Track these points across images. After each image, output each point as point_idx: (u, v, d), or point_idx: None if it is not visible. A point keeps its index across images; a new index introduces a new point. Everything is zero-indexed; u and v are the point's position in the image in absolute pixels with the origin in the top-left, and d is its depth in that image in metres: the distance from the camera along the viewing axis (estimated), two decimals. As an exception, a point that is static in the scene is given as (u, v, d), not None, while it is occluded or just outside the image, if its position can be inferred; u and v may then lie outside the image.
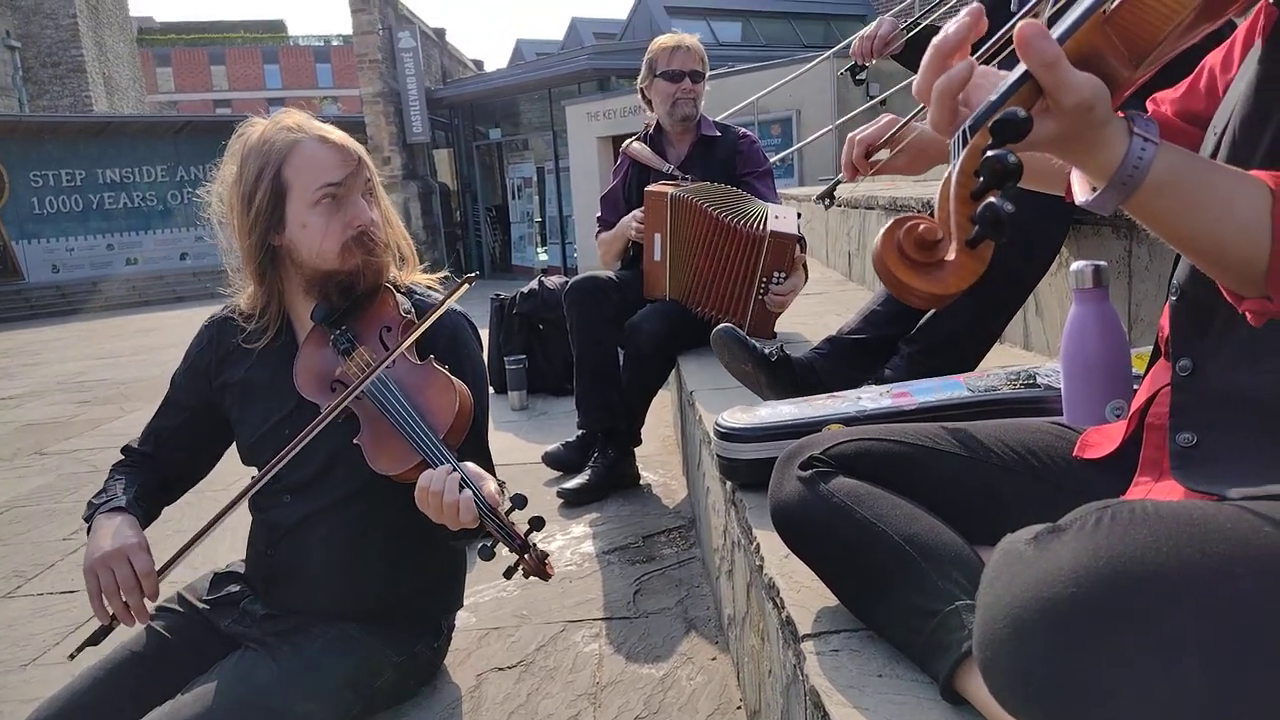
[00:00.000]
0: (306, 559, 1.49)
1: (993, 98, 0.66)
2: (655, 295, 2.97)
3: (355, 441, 1.39)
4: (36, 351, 10.30)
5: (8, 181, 18.21)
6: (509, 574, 1.28)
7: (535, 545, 1.27)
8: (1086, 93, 0.65)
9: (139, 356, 8.91)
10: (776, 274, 2.72)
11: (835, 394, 1.69)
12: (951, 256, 0.64)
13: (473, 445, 1.46)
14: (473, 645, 2.13)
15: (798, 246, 2.73)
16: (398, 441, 1.35)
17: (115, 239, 19.37)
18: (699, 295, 2.89)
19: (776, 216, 2.75)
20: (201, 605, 1.56)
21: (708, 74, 3.14)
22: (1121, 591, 0.60)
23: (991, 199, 0.60)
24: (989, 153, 0.60)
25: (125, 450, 1.64)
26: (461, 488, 1.25)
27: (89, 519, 1.50)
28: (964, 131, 0.66)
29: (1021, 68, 0.66)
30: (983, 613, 0.67)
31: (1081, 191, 0.74)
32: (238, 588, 1.58)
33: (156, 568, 1.41)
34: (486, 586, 2.46)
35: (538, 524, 1.28)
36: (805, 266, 2.86)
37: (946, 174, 0.67)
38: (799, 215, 2.85)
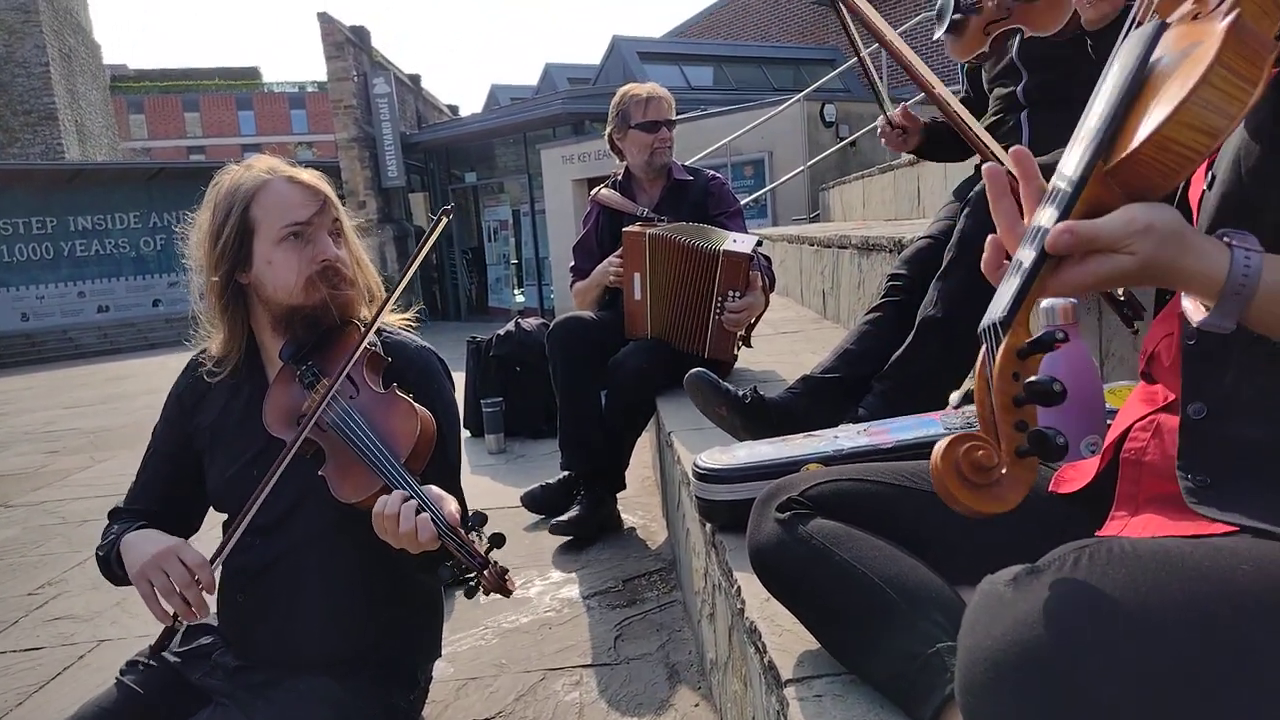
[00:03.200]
0: (277, 603, 1.46)
1: (1015, 287, 0.69)
2: (637, 334, 2.99)
3: (320, 473, 1.37)
4: (5, 401, 10.12)
5: (-24, 230, 18.05)
6: (470, 593, 1.26)
7: (495, 562, 1.25)
8: (1120, 227, 0.66)
9: (110, 405, 8.78)
10: (731, 293, 2.78)
11: (812, 433, 1.69)
12: (1004, 470, 0.67)
13: (444, 478, 1.44)
14: (450, 696, 2.08)
15: (751, 265, 2.78)
16: (360, 469, 1.34)
17: (86, 286, 19.16)
18: (676, 330, 2.91)
19: (734, 240, 2.84)
20: (173, 659, 1.52)
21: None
22: (1101, 634, 0.59)
23: (1044, 430, 0.64)
24: (1032, 380, 0.64)
25: (113, 514, 1.57)
26: (419, 511, 1.23)
27: (104, 554, 1.46)
28: (994, 327, 0.69)
29: (1033, 254, 0.69)
30: (963, 656, 0.66)
31: (1195, 313, 0.74)
32: (210, 639, 1.54)
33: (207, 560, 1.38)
34: (464, 635, 2.42)
35: (498, 541, 1.26)
36: (766, 292, 2.90)
37: (981, 368, 0.69)
38: (759, 242, 2.92)
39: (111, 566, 1.45)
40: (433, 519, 1.22)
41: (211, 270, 1.43)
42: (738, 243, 2.82)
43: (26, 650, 2.67)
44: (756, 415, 1.93)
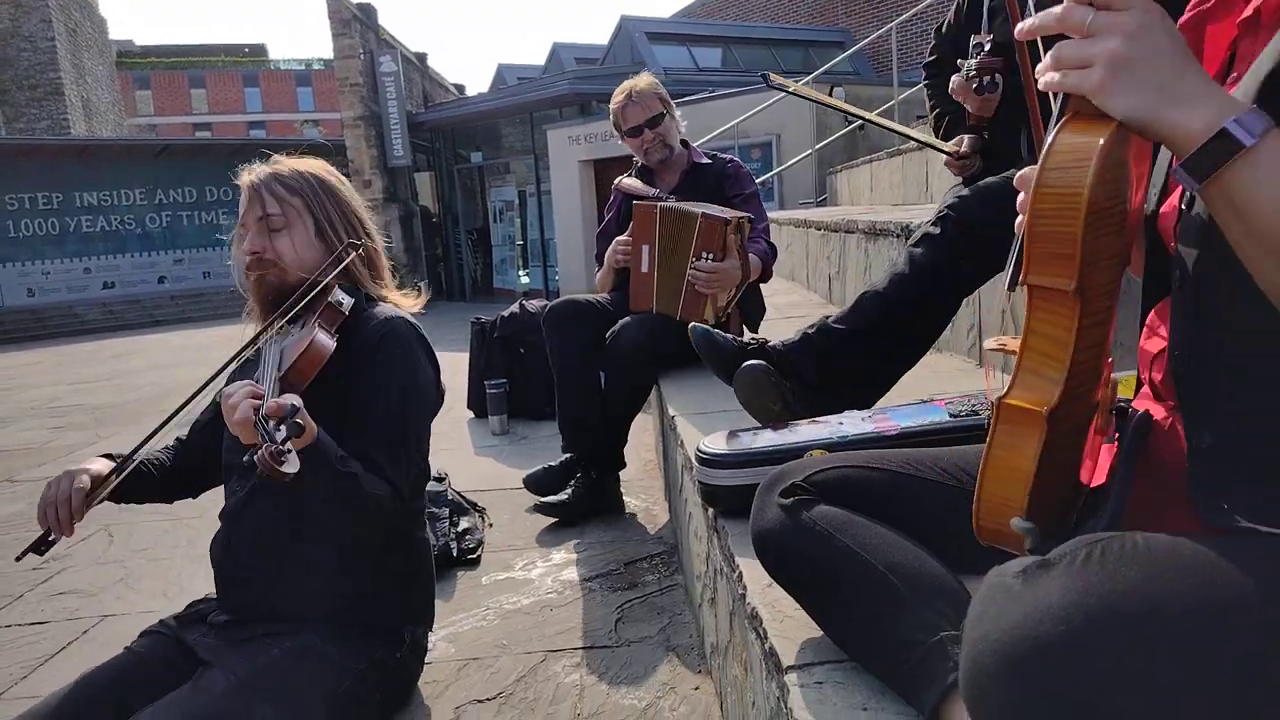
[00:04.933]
0: (255, 549, 1.54)
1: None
2: (642, 308, 2.99)
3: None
4: (10, 377, 10.15)
5: (-17, 204, 18.05)
6: (253, 468, 1.33)
7: (281, 445, 1.31)
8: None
9: (114, 381, 8.79)
10: (705, 254, 2.82)
11: (816, 419, 1.69)
12: None
13: (370, 437, 1.51)
14: (451, 676, 2.09)
15: (728, 230, 2.80)
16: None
17: (92, 262, 19.17)
18: (665, 294, 2.93)
19: (721, 210, 2.88)
20: (173, 623, 1.59)
21: (671, 106, 3.19)
22: (1112, 630, 0.58)
23: None
24: None
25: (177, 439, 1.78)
26: (250, 399, 1.36)
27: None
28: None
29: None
30: (969, 648, 0.66)
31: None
32: (211, 604, 1.62)
33: (88, 490, 1.51)
34: (466, 616, 2.42)
35: (294, 429, 1.33)
36: (745, 263, 2.91)
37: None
38: (749, 218, 2.96)
39: None
40: (254, 407, 1.34)
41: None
42: (722, 211, 2.86)
43: (31, 624, 2.68)
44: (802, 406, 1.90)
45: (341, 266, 1.59)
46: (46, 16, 23.23)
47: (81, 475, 1.50)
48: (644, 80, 3.16)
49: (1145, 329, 0.88)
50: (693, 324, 2.05)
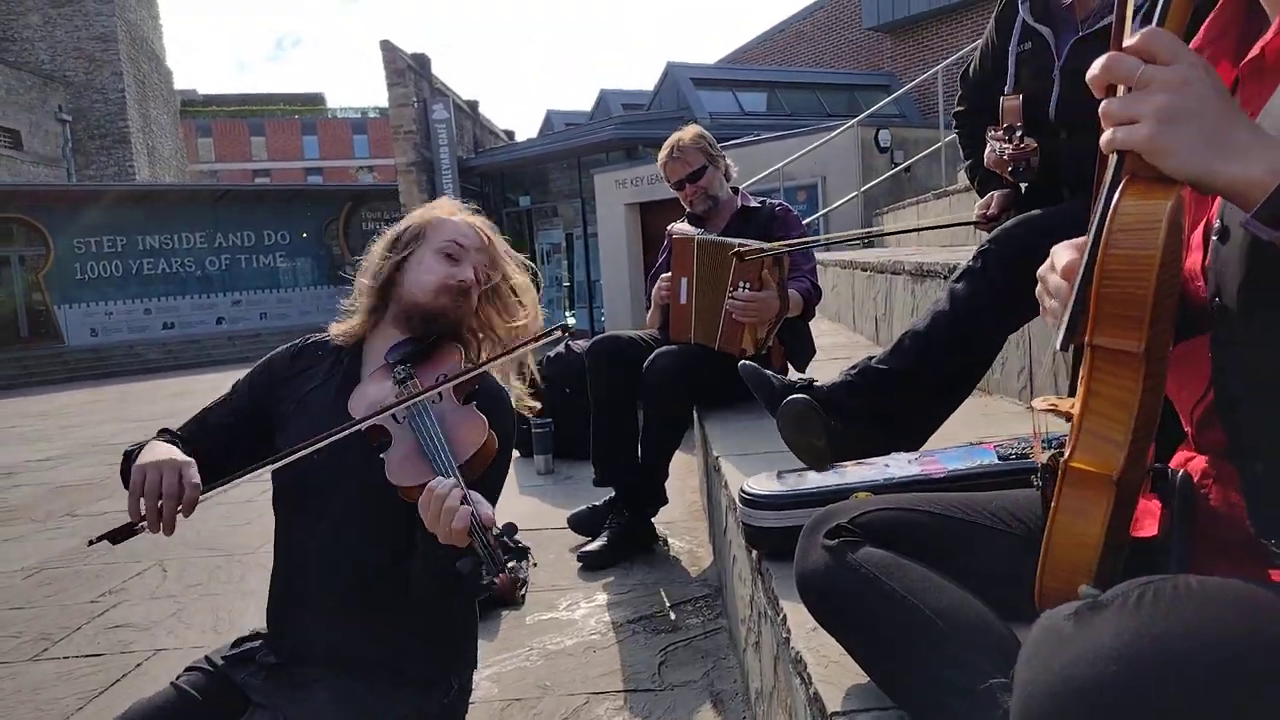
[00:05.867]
0: (308, 580, 1.53)
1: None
2: (681, 339, 3.01)
3: (381, 455, 1.45)
4: (74, 414, 10.47)
5: (53, 248, 18.79)
6: (483, 592, 1.28)
7: (512, 568, 1.27)
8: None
9: (172, 419, 8.97)
10: (743, 284, 2.86)
11: (862, 461, 1.67)
12: None
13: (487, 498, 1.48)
14: (494, 717, 2.09)
15: (764, 261, 2.83)
16: (420, 460, 1.41)
17: (153, 303, 19.80)
18: (706, 325, 2.95)
19: (760, 243, 2.91)
20: (220, 662, 1.58)
21: (716, 158, 3.23)
22: (1165, 670, 0.57)
23: None
24: None
25: (161, 431, 1.64)
26: (463, 501, 1.30)
27: (131, 450, 1.52)
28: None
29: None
30: (1020, 691, 0.64)
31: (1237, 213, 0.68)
32: (258, 644, 1.61)
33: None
34: (509, 656, 2.42)
35: (521, 553, 1.29)
36: (783, 295, 2.92)
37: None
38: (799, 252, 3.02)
39: (130, 462, 1.48)
40: (471, 513, 1.27)
41: (380, 260, 1.67)
42: (760, 244, 2.89)
43: (88, 656, 2.74)
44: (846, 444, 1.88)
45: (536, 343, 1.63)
46: (118, 69, 24.35)
47: (190, 470, 1.43)
48: (689, 134, 3.21)
49: (1170, 383, 0.86)
50: (742, 361, 2.06)
